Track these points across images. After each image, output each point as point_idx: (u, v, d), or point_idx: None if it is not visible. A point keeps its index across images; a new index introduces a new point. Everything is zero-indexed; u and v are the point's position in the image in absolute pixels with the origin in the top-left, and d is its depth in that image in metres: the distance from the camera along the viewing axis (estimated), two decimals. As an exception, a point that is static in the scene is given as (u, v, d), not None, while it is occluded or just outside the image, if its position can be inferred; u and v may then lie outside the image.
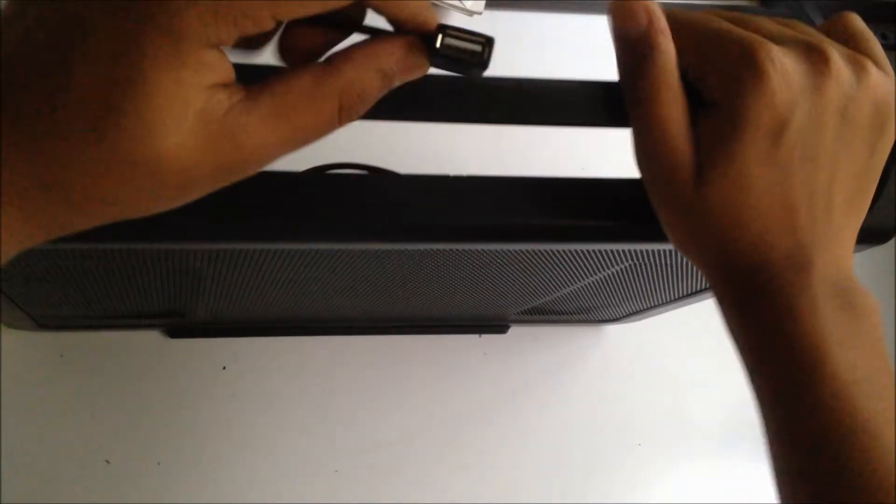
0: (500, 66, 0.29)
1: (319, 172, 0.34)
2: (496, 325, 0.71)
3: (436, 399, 0.70)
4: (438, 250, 0.42)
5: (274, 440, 0.66)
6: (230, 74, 0.24)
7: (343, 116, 0.26)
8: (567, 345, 0.74)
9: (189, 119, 0.23)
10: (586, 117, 0.32)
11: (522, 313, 0.66)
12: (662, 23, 0.30)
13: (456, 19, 0.70)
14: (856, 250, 0.36)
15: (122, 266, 0.42)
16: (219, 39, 0.22)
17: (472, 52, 0.27)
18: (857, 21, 0.33)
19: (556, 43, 0.74)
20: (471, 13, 0.68)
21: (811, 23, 0.58)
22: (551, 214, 0.33)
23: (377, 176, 0.32)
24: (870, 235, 0.35)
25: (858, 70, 0.31)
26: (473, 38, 0.27)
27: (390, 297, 0.57)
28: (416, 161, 0.66)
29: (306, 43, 0.27)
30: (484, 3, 0.68)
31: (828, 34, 0.32)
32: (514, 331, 0.72)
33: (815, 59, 0.30)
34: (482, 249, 0.42)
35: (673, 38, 0.31)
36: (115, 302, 0.53)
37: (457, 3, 0.67)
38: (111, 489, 0.63)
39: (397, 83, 0.27)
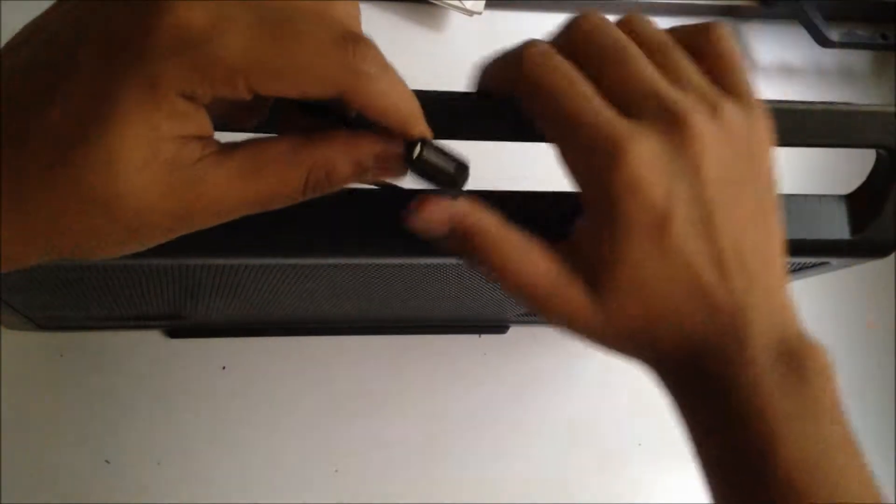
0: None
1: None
2: (496, 326, 0.71)
3: (435, 399, 0.70)
4: (443, 264, 0.42)
5: (274, 440, 0.66)
6: (206, 130, 0.24)
7: (307, 190, 0.26)
8: (567, 345, 0.73)
9: (155, 163, 0.23)
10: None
11: (523, 315, 0.66)
12: (467, 216, 0.29)
13: (456, 19, 0.70)
14: (857, 263, 0.36)
15: (121, 277, 0.42)
16: (193, 91, 0.22)
17: (445, 173, 0.26)
18: (723, 42, 0.30)
19: (557, 42, 0.73)
20: (471, 13, 0.68)
21: (809, 21, 0.57)
22: (554, 228, 0.33)
23: (379, 190, 0.32)
24: (871, 250, 0.35)
25: (718, 120, 0.29)
26: (450, 159, 0.26)
27: (391, 301, 0.57)
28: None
29: (290, 122, 0.27)
30: (484, 3, 0.68)
31: (694, 51, 0.30)
32: (514, 331, 0.72)
33: (679, 132, 0.28)
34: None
35: (533, 106, 0.30)
36: (114, 307, 0.52)
37: (457, 3, 0.67)
38: (111, 489, 0.63)
39: (370, 178, 0.26)
